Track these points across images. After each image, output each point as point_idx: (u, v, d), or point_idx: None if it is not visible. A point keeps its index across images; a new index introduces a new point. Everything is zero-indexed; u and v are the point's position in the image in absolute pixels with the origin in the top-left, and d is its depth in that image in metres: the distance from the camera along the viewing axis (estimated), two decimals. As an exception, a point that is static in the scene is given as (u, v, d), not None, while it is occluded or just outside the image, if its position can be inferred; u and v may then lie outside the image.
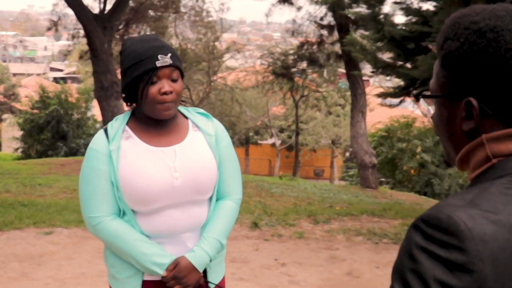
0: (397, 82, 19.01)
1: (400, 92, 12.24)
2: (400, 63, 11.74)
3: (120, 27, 17.36)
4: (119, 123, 2.37)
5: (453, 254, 0.96)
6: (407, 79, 11.53)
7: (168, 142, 2.37)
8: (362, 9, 13.85)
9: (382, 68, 11.94)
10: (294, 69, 18.43)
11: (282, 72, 18.03)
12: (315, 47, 16.60)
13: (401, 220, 8.37)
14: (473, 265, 0.95)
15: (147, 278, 2.34)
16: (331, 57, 16.77)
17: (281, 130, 31.37)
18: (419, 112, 24.36)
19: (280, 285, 5.60)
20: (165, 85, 2.24)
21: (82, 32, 17.28)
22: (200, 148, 2.41)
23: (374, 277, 6.01)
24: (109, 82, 15.26)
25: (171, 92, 2.24)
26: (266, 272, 5.90)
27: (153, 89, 2.23)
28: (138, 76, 2.24)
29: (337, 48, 16.35)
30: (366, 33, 12.77)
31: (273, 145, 31.71)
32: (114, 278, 2.40)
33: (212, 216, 2.44)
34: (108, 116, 15.61)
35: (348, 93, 20.26)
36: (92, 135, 23.19)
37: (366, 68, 16.53)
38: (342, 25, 14.94)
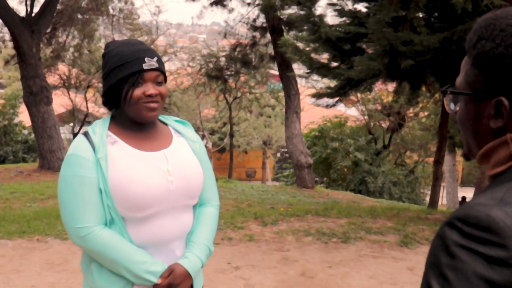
0: (327, 82, 19.33)
1: (336, 92, 12.41)
2: (335, 64, 11.91)
3: (48, 30, 16.86)
4: (100, 128, 2.29)
5: (494, 251, 1.00)
6: (343, 79, 11.70)
7: (156, 146, 2.34)
8: (293, 10, 14.00)
9: (317, 69, 12.07)
10: (227, 71, 18.41)
11: (216, 74, 17.97)
12: (248, 49, 16.62)
13: (346, 219, 8.49)
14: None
15: None
16: (264, 59, 16.84)
17: (212, 133, 31.33)
18: (350, 112, 24.86)
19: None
20: (150, 87, 2.22)
21: (7, 36, 16.70)
22: (187, 154, 2.40)
23: (327, 276, 6.05)
24: (38, 87, 14.83)
25: (156, 95, 2.23)
26: (220, 276, 5.85)
27: (138, 91, 2.21)
28: (123, 78, 2.20)
29: (270, 49, 16.43)
30: (300, 34, 12.90)
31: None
32: None
33: (198, 222, 2.44)
34: (38, 122, 15.15)
35: (281, 94, 20.42)
36: (20, 142, 22.43)
37: (296, 70, 16.67)
38: (275, 27, 15.03)
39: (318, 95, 12.57)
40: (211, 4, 16.06)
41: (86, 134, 2.28)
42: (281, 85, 16.61)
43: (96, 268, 2.29)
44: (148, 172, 2.24)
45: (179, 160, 2.35)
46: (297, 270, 6.19)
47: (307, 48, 12.62)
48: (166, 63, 25.15)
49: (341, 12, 11.40)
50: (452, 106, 1.32)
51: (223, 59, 18.34)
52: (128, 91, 2.20)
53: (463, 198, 22.09)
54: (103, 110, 22.06)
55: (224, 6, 16.20)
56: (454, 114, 1.32)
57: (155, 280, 2.22)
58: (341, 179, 21.04)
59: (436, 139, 24.20)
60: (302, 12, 11.51)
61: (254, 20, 16.19)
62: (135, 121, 2.30)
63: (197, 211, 2.46)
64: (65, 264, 5.88)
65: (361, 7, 11.60)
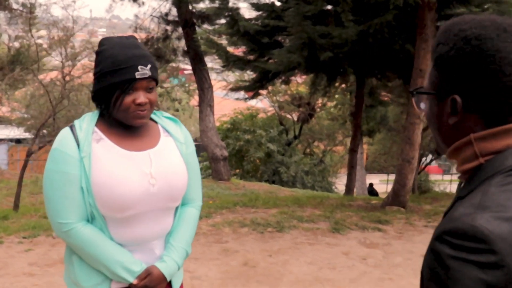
0: (237, 75, 19.47)
1: (253, 85, 12.59)
2: (252, 57, 12.06)
3: None
4: (87, 124, 2.27)
5: (484, 257, 1.09)
6: (261, 72, 11.88)
7: (141, 146, 2.32)
8: (205, 5, 14.05)
9: (234, 62, 12.18)
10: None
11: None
12: (160, 42, 16.49)
13: (276, 209, 8.69)
14: (502, 261, 1.08)
15: (114, 286, 2.29)
16: (177, 53, 16.77)
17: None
18: (261, 104, 25.18)
19: (183, 281, 5.61)
20: (141, 96, 2.20)
21: None
22: (173, 155, 2.39)
23: (269, 265, 6.22)
24: None
25: (145, 103, 2.22)
26: (165, 271, 5.87)
27: (128, 99, 2.19)
28: (115, 83, 2.18)
29: (183, 43, 16.36)
30: (217, 28, 12.98)
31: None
32: (78, 286, 2.31)
33: (178, 223, 2.44)
34: None
35: (192, 88, 20.39)
36: None
37: (209, 63, 16.70)
38: (187, 21, 15.01)
39: (237, 89, 12.69)
40: (122, -3, 15.82)
41: (72, 128, 2.26)
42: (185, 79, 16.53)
43: (77, 261, 2.30)
44: (130, 173, 2.24)
45: (163, 162, 2.33)
46: (239, 260, 6.31)
47: (223, 42, 12.73)
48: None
49: (257, 6, 11.56)
50: (422, 105, 1.41)
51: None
52: (118, 98, 2.19)
53: (371, 184, 22.97)
54: (5, 108, 21.10)
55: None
56: (422, 112, 1.43)
57: (132, 279, 2.25)
58: (254, 170, 21.32)
59: (344, 128, 25.11)
60: (216, 6, 11.59)
61: (166, 14, 16.08)
62: (118, 122, 2.30)
63: (178, 211, 2.46)
64: (5, 268, 5.72)
65: (276, 0, 11.79)
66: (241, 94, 16.78)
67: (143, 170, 2.26)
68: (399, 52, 10.51)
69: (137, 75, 2.18)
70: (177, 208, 2.45)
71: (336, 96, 21.11)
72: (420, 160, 29.10)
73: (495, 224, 1.11)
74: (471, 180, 1.26)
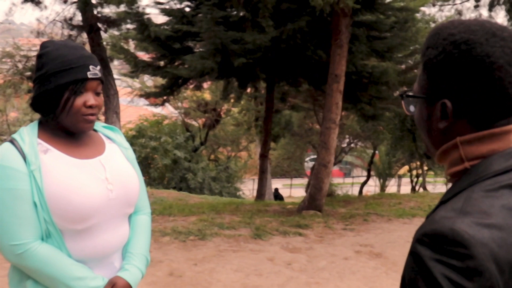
0: (142, 82, 19.17)
1: (163, 92, 12.41)
2: (161, 62, 11.90)
3: None
4: (29, 136, 2.12)
5: (464, 262, 1.08)
6: (171, 78, 11.74)
7: (90, 154, 2.21)
8: (110, 9, 13.70)
9: (143, 68, 11.96)
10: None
11: (31, 75, 16.95)
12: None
13: (196, 217, 8.58)
14: (482, 266, 1.08)
15: None
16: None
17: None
18: (161, 111, 24.89)
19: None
20: (91, 98, 2.11)
21: None
22: (121, 161, 2.30)
23: (195, 274, 6.10)
24: None
25: (95, 106, 2.13)
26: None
27: (79, 101, 2.08)
28: (65, 84, 2.06)
29: (87, 49, 15.83)
30: (119, 33, 12.70)
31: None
32: None
33: (133, 232, 2.36)
34: None
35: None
36: None
37: (114, 69, 16.30)
38: (92, 26, 14.55)
39: (146, 95, 12.46)
40: (24, 1, 15.10)
41: (13, 142, 2.10)
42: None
43: (32, 286, 2.13)
44: (87, 181, 2.12)
45: (115, 167, 2.24)
46: (164, 270, 6.15)
47: (131, 47, 12.48)
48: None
49: (167, 11, 11.41)
50: (411, 108, 1.40)
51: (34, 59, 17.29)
52: (69, 99, 2.07)
53: (276, 189, 23.22)
54: None
55: (38, 3, 15.33)
56: (412, 115, 1.43)
57: None
58: (161, 178, 21.02)
59: (248, 134, 25.26)
60: (125, 10, 11.32)
61: (71, 19, 15.52)
62: (64, 129, 2.17)
63: (132, 220, 2.38)
64: None
65: (185, 6, 11.68)
66: (144, 100, 16.51)
67: (99, 176, 2.16)
68: (311, 57, 10.68)
69: (89, 74, 2.09)
70: (130, 217, 2.36)
71: (242, 102, 21.23)
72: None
73: (476, 229, 1.10)
74: (455, 185, 1.26)
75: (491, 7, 7.31)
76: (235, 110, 23.82)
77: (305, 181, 36.01)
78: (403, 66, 13.73)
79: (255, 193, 29.04)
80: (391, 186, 31.81)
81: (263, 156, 13.36)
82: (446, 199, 1.24)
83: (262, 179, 13.61)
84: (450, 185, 1.31)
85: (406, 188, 32.34)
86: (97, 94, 2.14)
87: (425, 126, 1.34)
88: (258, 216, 8.83)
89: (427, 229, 1.14)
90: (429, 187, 24.93)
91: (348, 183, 34.62)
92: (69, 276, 2.06)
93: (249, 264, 6.51)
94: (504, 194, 1.19)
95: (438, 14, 18.66)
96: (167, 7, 11.36)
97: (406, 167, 30.46)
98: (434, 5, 17.84)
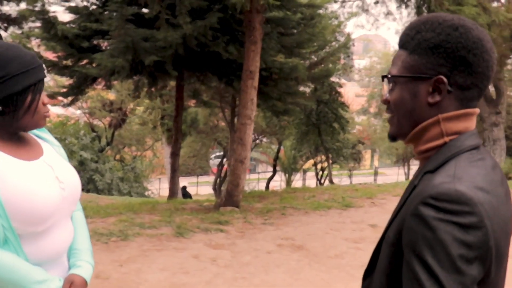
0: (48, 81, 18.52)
1: (71, 91, 12.07)
2: (68, 61, 11.57)
3: None
4: None
5: (466, 218, 1.24)
6: (79, 77, 11.45)
7: (33, 155, 2.17)
8: (9, 7, 13.20)
9: (49, 68, 11.59)
10: None
11: None
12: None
13: (115, 218, 8.41)
14: (481, 223, 1.24)
15: None
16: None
17: None
18: (70, 111, 24.18)
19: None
20: (45, 96, 2.13)
21: None
22: (60, 159, 2.29)
23: (122, 275, 6.00)
24: None
25: (47, 103, 2.15)
26: None
27: (40, 100, 2.10)
28: (29, 85, 2.02)
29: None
30: (20, 31, 12.26)
31: None
32: None
33: (75, 228, 2.34)
34: None
35: None
36: None
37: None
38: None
39: (55, 94, 12.06)
40: None
41: None
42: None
43: None
44: (41, 182, 2.08)
45: (59, 166, 2.23)
46: (89, 274, 6.01)
47: (37, 46, 12.07)
48: None
49: (74, 9, 11.10)
50: (385, 93, 1.54)
51: None
52: (34, 100, 2.05)
53: (184, 187, 23.10)
54: None
55: None
56: (385, 102, 1.56)
57: None
58: (66, 180, 20.42)
59: (153, 133, 24.99)
60: (29, 8, 10.92)
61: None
62: (20, 130, 2.13)
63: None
64: None
65: (91, 3, 11.40)
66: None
67: (49, 176, 2.13)
68: (222, 54, 10.72)
69: (45, 74, 2.12)
70: None
71: (146, 100, 20.97)
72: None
73: (473, 191, 1.27)
74: (437, 156, 1.41)
75: (400, 5, 7.65)
76: (140, 109, 23.50)
77: (210, 178, 36.07)
78: (307, 62, 14.05)
79: (162, 192, 28.84)
80: (297, 181, 32.41)
81: (175, 154, 13.28)
82: (432, 168, 1.38)
83: (174, 178, 13.53)
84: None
85: (311, 182, 33.09)
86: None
87: (409, 105, 1.46)
88: (177, 215, 8.78)
89: (432, 192, 1.27)
90: (335, 180, 25.59)
91: (254, 179, 34.97)
92: (29, 280, 2.02)
93: (175, 263, 6.47)
94: (481, 166, 1.37)
95: (340, 10, 19.22)
96: (73, 4, 11.04)
97: (311, 161, 31.17)
98: (336, 2, 18.34)
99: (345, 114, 22.28)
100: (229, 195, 9.42)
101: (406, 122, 1.49)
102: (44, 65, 2.11)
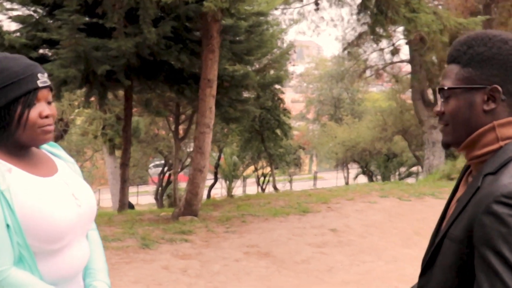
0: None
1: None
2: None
3: None
4: None
5: None
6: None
7: (48, 171, 2.11)
8: None
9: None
10: None
11: None
12: None
13: (75, 231, 8.22)
14: None
15: None
16: None
17: None
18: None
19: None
20: (45, 108, 2.00)
21: None
22: (75, 176, 2.23)
23: None
24: None
25: (51, 116, 2.03)
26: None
27: (34, 113, 1.96)
28: (16, 97, 1.93)
29: None
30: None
31: None
32: None
33: (91, 247, 2.29)
34: None
35: None
36: None
37: None
38: None
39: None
40: None
41: None
42: None
43: None
44: (57, 198, 2.03)
45: (74, 183, 2.17)
46: None
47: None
48: None
49: (20, 18, 10.79)
50: (440, 105, 1.68)
51: None
52: (23, 113, 1.95)
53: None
54: None
55: None
56: (438, 113, 1.68)
57: None
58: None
59: (93, 143, 24.53)
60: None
61: None
62: (22, 145, 2.04)
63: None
64: None
65: (35, 12, 11.11)
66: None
67: (66, 193, 2.08)
68: (174, 63, 10.67)
69: (39, 83, 1.97)
70: None
71: (86, 111, 20.58)
72: (170, 170, 29.71)
73: None
74: (494, 159, 1.54)
75: (359, 12, 7.81)
76: (80, 119, 23.04)
77: (150, 188, 35.62)
78: (252, 68, 14.12)
79: (102, 204, 28.31)
80: (237, 188, 32.44)
81: (124, 164, 13.07)
82: (493, 170, 1.50)
83: (124, 189, 13.31)
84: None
85: (252, 189, 33.21)
86: (49, 103, 2.03)
87: (466, 113, 1.60)
88: (138, 226, 8.66)
89: (503, 191, 1.40)
90: (279, 186, 25.77)
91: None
92: None
93: (146, 275, 6.39)
94: None
95: (282, 17, 19.43)
96: (17, 13, 10.72)
97: (251, 168, 31.27)
98: (276, 9, 18.50)
99: (287, 120, 22.51)
100: (188, 204, 9.36)
101: (463, 130, 1.62)
102: (42, 74, 1.99)
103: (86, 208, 2.12)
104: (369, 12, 7.36)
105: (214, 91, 8.89)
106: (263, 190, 29.85)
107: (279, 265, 7.13)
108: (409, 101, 25.54)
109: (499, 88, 1.54)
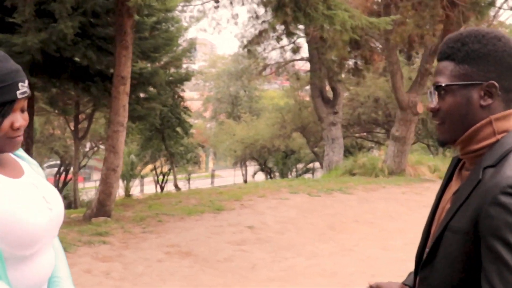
0: None
1: None
2: None
3: None
4: None
5: None
6: None
7: (15, 173, 1.99)
8: None
9: None
10: None
11: None
12: None
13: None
14: None
15: None
16: None
17: None
18: None
19: None
20: (19, 118, 1.88)
21: None
22: (40, 178, 2.11)
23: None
24: None
25: (23, 127, 1.91)
26: None
27: (6, 123, 1.85)
28: None
29: None
30: None
31: None
32: None
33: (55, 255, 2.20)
34: None
35: None
36: None
37: None
38: None
39: None
40: None
41: None
42: None
43: None
44: (29, 201, 1.92)
45: (42, 185, 2.06)
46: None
47: None
48: None
49: None
50: (434, 102, 1.71)
51: None
52: None
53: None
54: None
55: None
56: (432, 109, 1.72)
57: None
58: None
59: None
60: None
61: None
62: None
63: None
64: None
65: None
66: None
67: (36, 196, 1.96)
68: (81, 60, 10.33)
69: (19, 94, 1.83)
70: None
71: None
72: (67, 171, 28.78)
73: None
74: (492, 152, 1.59)
75: (276, 9, 7.83)
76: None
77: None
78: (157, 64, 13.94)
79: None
80: (135, 187, 31.92)
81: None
82: (492, 163, 1.55)
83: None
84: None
85: (149, 188, 32.79)
86: (23, 111, 1.90)
87: (463, 109, 1.63)
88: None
89: (509, 182, 1.44)
90: (180, 184, 25.58)
91: (91, 187, 33.75)
92: None
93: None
94: None
95: (182, 15, 19.21)
96: None
97: (149, 167, 30.88)
98: (177, 6, 18.31)
99: (188, 118, 22.40)
100: (100, 205, 9.08)
101: (460, 125, 1.65)
102: (23, 84, 1.85)
103: (56, 212, 2.01)
104: (286, 9, 7.41)
105: (127, 88, 8.67)
106: (162, 189, 29.56)
107: (202, 264, 7.07)
108: (307, 99, 26.14)
109: (496, 84, 1.59)
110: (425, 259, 1.72)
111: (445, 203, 1.74)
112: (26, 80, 1.86)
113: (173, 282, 6.42)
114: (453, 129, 1.67)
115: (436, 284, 1.64)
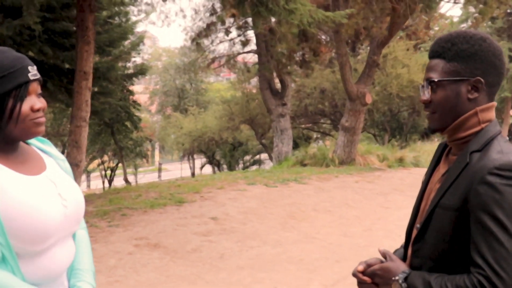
0: None
1: None
2: None
3: None
4: None
5: None
6: None
7: (35, 170, 2.08)
8: None
9: None
10: None
11: None
12: None
13: None
14: None
15: None
16: None
17: None
18: None
19: None
20: (36, 101, 1.98)
21: None
22: (63, 175, 2.19)
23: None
24: None
25: (43, 109, 2.01)
26: None
27: (26, 106, 1.95)
28: (7, 91, 1.91)
29: None
30: None
31: None
32: None
33: (77, 248, 2.26)
34: None
35: None
36: None
37: None
38: None
39: None
40: None
41: None
42: None
43: None
44: (43, 198, 1.99)
45: (62, 182, 2.12)
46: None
47: None
48: None
49: None
50: (427, 95, 1.95)
51: None
52: (15, 107, 1.92)
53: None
54: None
55: None
56: (425, 101, 1.97)
57: None
58: None
59: None
60: None
61: None
62: (13, 139, 2.01)
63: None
64: None
65: None
66: None
67: (52, 193, 2.04)
68: (36, 55, 10.26)
69: (30, 76, 1.95)
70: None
71: None
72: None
73: None
74: (478, 139, 1.84)
75: (238, 3, 8.00)
76: None
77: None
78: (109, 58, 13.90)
79: None
80: (82, 182, 31.46)
81: None
82: (478, 148, 1.81)
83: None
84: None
85: (95, 183, 32.44)
86: (39, 95, 2.01)
87: (453, 102, 1.88)
88: None
89: (495, 164, 1.69)
90: (130, 178, 25.43)
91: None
92: None
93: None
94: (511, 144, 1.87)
95: (130, 8, 19.12)
96: None
97: (96, 162, 30.52)
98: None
99: (137, 112, 22.29)
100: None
101: (449, 116, 1.90)
102: (32, 67, 1.97)
103: (72, 209, 2.07)
104: (246, 3, 7.59)
105: (90, 83, 8.69)
106: (110, 183, 29.30)
107: (173, 256, 7.20)
108: (254, 91, 26.38)
109: (482, 80, 1.84)
110: (417, 234, 1.97)
111: (434, 184, 2.00)
112: (34, 65, 1.97)
113: (146, 274, 6.54)
114: (443, 118, 1.92)
115: (428, 255, 1.89)
